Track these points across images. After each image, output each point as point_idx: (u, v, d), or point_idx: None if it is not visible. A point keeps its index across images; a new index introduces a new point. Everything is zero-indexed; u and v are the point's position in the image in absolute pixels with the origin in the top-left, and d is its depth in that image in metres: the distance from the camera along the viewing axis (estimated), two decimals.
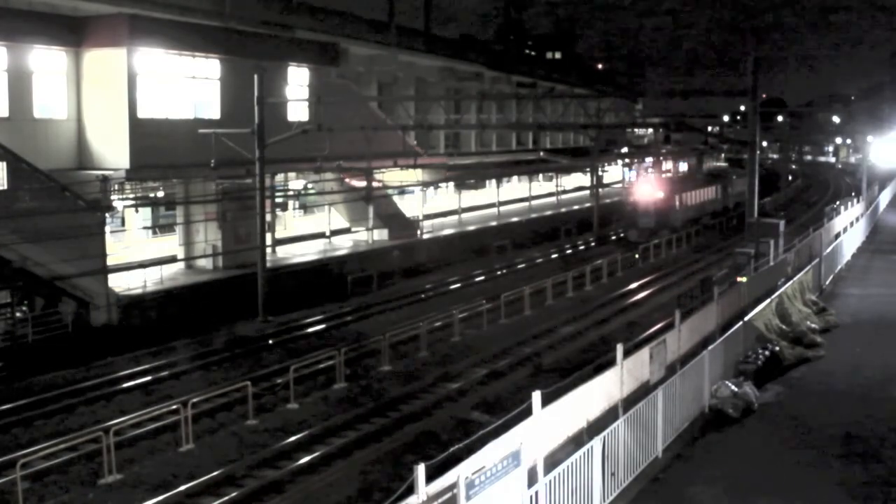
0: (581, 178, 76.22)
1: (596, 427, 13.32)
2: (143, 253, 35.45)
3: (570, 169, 73.47)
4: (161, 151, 32.61)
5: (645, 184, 55.54)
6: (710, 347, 17.61)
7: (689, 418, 16.34)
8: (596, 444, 12.36)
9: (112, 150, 32.20)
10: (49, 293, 28.11)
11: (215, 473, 17.05)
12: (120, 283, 30.59)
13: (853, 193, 57.40)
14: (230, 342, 27.98)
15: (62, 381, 23.69)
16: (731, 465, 14.77)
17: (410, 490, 9.10)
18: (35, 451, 17.40)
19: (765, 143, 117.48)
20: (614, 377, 14.65)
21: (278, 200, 42.00)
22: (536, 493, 11.04)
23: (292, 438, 19.04)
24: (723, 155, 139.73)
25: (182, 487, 16.39)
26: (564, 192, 70.84)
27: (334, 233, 44.13)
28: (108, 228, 32.36)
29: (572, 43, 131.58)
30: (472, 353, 26.37)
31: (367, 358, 25.83)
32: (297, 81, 40.01)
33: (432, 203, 55.14)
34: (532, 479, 11.06)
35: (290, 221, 45.66)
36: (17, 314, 27.64)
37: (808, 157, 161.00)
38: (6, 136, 28.65)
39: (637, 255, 45.21)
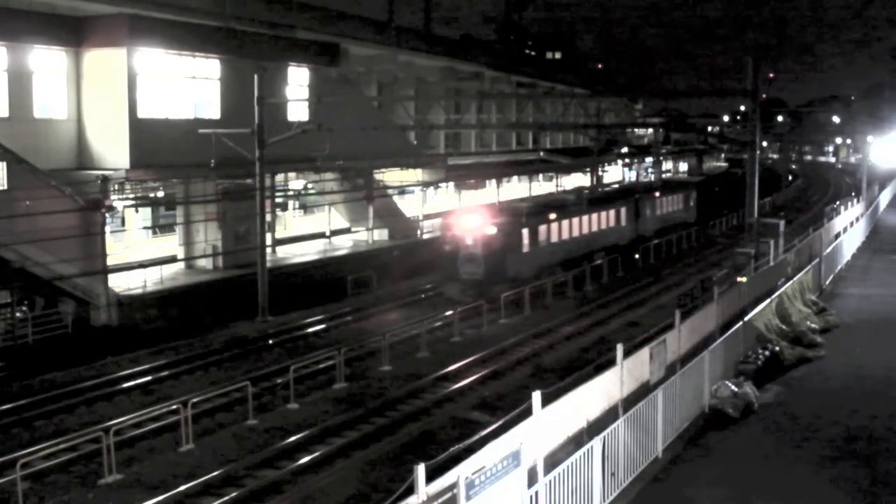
0: (581, 178, 76.28)
1: (596, 427, 13.32)
2: (143, 253, 35.46)
3: (570, 169, 73.46)
4: (161, 151, 32.62)
5: (469, 213, 36.17)
6: (710, 347, 17.61)
7: (689, 418, 16.34)
8: (596, 444, 12.36)
9: (112, 150, 32.21)
10: (49, 293, 28.13)
11: (215, 473, 17.05)
12: (120, 283, 30.59)
13: (853, 193, 57.44)
14: (230, 342, 27.97)
15: (62, 381, 23.67)
16: (732, 466, 14.76)
17: (410, 490, 9.11)
18: (35, 451, 17.39)
19: (765, 143, 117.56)
20: (614, 377, 14.65)
21: (278, 200, 42.00)
22: (536, 493, 11.04)
23: (292, 438, 19.03)
24: (723, 155, 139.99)
25: (182, 487, 16.38)
26: (564, 192, 70.85)
27: (334, 233, 44.13)
28: (108, 228, 32.35)
29: (572, 43, 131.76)
30: (471, 352, 26.35)
31: (367, 358, 25.84)
32: (297, 81, 40.01)
33: (432, 203, 55.14)
34: (532, 479, 11.06)
35: (290, 221, 45.66)
36: (18, 314, 27.64)
37: (809, 157, 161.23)
38: (6, 136, 28.64)
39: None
